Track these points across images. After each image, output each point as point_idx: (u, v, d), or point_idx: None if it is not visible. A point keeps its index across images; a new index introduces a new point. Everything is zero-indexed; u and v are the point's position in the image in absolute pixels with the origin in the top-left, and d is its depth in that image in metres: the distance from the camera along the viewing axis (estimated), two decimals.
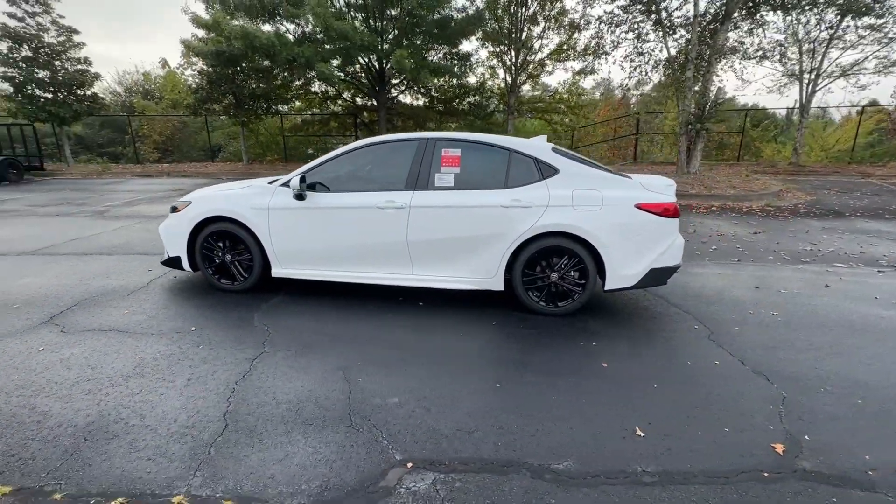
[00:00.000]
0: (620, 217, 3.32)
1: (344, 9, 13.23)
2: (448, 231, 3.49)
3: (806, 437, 2.06)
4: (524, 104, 17.57)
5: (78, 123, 17.73)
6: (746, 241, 5.95)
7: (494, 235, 3.43)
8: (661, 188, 3.44)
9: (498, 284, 3.52)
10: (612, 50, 13.45)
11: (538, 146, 3.57)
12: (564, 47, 16.01)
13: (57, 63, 15.43)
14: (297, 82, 15.56)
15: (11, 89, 14.91)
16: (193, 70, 14.88)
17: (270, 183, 3.89)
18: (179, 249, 3.93)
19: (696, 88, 11.10)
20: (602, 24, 13.44)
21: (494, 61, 16.65)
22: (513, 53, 15.81)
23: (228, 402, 2.29)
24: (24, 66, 14.65)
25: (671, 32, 11.72)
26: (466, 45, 16.30)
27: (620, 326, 3.32)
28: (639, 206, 3.30)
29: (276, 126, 18.71)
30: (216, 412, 2.21)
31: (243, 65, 13.05)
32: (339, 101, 17.49)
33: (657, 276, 3.41)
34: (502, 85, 17.12)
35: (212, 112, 15.64)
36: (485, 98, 17.69)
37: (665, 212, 3.33)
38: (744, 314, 3.54)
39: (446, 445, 2.00)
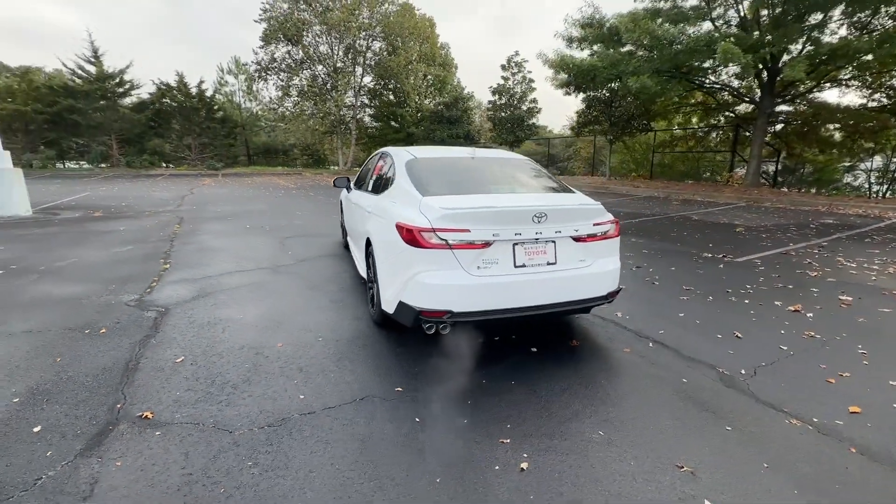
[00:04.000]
0: (386, 233, 3.08)
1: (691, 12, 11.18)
2: (358, 224, 4.36)
3: None
4: None
5: (522, 146, 25.00)
6: None
7: (361, 232, 4.00)
8: (440, 208, 2.73)
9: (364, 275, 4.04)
10: None
11: (403, 156, 3.65)
12: None
13: (517, 103, 22.55)
14: (671, 98, 14.75)
15: (492, 124, 23.45)
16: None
17: None
18: None
19: None
20: None
21: None
22: None
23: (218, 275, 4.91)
24: (498, 109, 22.61)
25: None
26: None
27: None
28: (396, 225, 2.90)
29: (648, 143, 18.21)
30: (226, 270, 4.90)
31: (601, 89, 14.18)
32: (723, 113, 14.72)
33: (406, 314, 2.83)
34: None
35: (592, 132, 17.77)
36: None
37: (403, 234, 2.73)
38: None
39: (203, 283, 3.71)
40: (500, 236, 2.70)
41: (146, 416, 2.31)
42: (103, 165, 29.35)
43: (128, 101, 29.99)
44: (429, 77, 31.90)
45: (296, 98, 29.27)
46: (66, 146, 29.10)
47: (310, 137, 36.60)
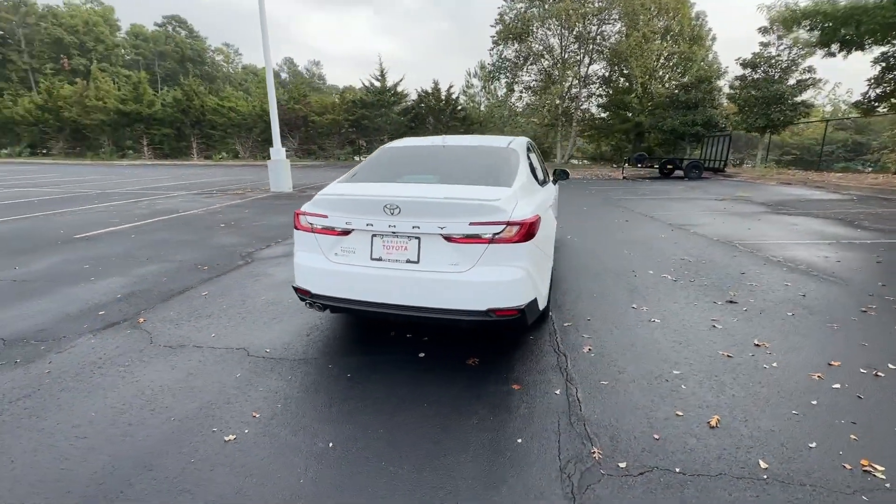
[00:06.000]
0: None
1: None
2: None
3: None
4: None
5: (781, 132, 18.54)
6: None
7: None
8: (319, 193, 2.90)
9: None
10: None
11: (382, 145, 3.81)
12: None
13: (781, 76, 16.94)
14: None
15: (736, 106, 18.43)
16: None
17: None
18: None
19: None
20: None
21: None
22: None
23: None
24: (746, 87, 17.51)
25: None
26: None
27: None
28: None
29: None
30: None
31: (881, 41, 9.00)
32: None
33: None
34: None
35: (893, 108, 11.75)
36: None
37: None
38: None
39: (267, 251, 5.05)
40: (352, 225, 2.65)
41: (139, 321, 3.48)
42: None
43: (398, 107, 37.99)
44: (673, 56, 27.53)
45: (520, 93, 30.61)
46: (358, 144, 39.71)
47: (537, 131, 37.51)
